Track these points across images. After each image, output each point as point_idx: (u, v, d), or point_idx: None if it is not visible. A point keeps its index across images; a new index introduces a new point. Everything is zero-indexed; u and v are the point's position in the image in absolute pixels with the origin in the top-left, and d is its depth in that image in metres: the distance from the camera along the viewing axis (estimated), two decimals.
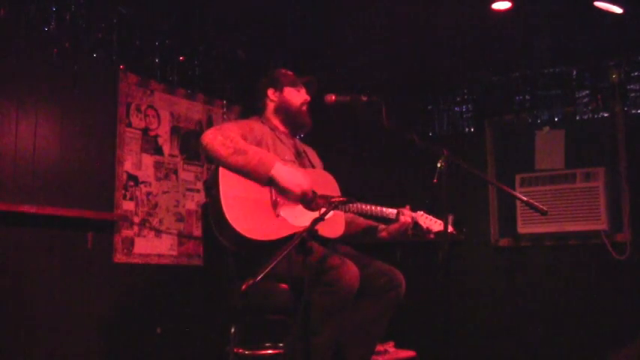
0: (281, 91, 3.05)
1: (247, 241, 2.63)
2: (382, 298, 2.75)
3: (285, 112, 3.04)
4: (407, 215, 2.93)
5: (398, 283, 2.78)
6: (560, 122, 5.05)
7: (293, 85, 3.06)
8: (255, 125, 2.96)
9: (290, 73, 3.12)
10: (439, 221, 2.98)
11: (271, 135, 2.96)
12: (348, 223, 3.04)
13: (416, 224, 2.95)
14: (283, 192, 2.73)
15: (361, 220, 3.06)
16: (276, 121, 3.06)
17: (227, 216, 2.62)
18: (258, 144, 2.86)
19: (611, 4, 3.94)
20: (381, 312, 2.76)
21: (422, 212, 2.99)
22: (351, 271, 2.54)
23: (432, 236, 2.98)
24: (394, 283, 2.77)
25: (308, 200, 2.76)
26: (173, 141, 4.48)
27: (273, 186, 2.73)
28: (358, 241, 3.08)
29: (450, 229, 2.92)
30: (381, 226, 3.03)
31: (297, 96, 3.05)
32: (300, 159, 3.02)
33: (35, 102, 3.73)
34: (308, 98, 3.07)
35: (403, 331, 4.05)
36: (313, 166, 3.09)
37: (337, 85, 3.09)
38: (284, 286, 2.68)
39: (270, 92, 3.07)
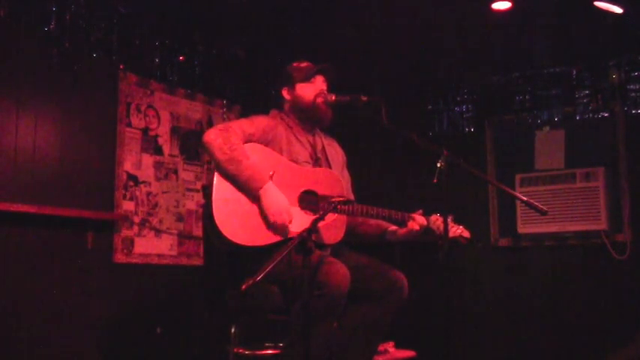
0: (293, 88, 2.97)
1: (235, 246, 2.63)
2: (383, 300, 2.73)
3: (299, 109, 2.96)
4: (416, 221, 2.86)
5: (400, 287, 2.76)
6: (560, 122, 5.05)
7: (305, 79, 2.95)
8: (270, 124, 2.90)
9: (303, 65, 3.01)
10: (455, 226, 2.90)
11: (286, 134, 2.91)
12: (359, 224, 3.02)
13: (428, 229, 2.87)
14: (262, 214, 2.70)
15: (372, 221, 3.00)
16: (293, 119, 2.98)
17: (216, 219, 2.62)
18: (268, 144, 2.83)
19: (611, 4, 3.94)
20: (382, 314, 2.75)
21: (436, 216, 2.89)
22: (340, 272, 2.52)
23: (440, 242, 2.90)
24: (396, 286, 2.75)
25: (277, 231, 2.71)
26: (173, 141, 4.48)
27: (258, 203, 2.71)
28: (369, 241, 3.06)
29: (467, 234, 2.90)
30: (391, 229, 2.97)
31: (309, 90, 2.94)
32: (315, 159, 2.96)
33: (35, 102, 3.73)
34: (322, 88, 2.95)
35: (403, 331, 4.05)
36: (330, 165, 3.01)
37: (337, 84, 3.07)
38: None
39: (284, 92, 3.00)
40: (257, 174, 2.69)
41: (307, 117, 2.97)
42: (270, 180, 2.71)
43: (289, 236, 2.68)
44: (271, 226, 2.70)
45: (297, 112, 2.97)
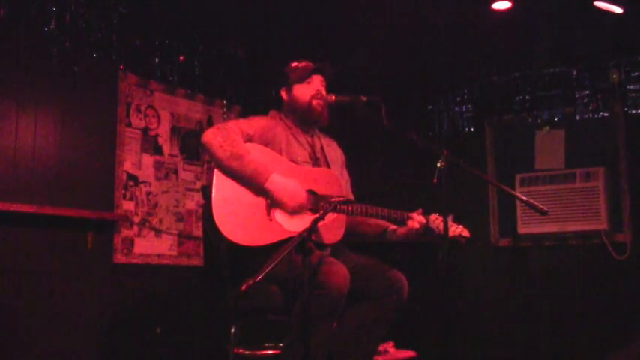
0: (290, 89, 2.97)
1: (235, 246, 2.63)
2: (383, 300, 2.73)
3: (295, 110, 2.96)
4: (416, 220, 2.85)
5: (400, 287, 2.76)
6: (560, 122, 5.05)
7: (301, 79, 2.94)
8: (268, 125, 2.91)
9: (301, 65, 2.99)
10: (454, 225, 2.90)
11: (286, 135, 2.91)
12: (359, 224, 3.02)
13: (428, 228, 2.87)
14: (277, 204, 2.71)
15: (372, 221, 3.00)
16: (292, 120, 2.98)
17: (215, 219, 2.62)
18: (267, 144, 2.83)
19: (611, 4, 3.94)
20: (382, 314, 2.74)
21: (436, 216, 2.88)
22: (339, 272, 2.52)
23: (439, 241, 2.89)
24: (396, 286, 2.75)
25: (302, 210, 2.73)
26: (173, 141, 4.48)
27: (267, 197, 2.71)
28: (368, 241, 3.06)
29: (467, 233, 2.90)
30: (391, 229, 2.97)
31: (305, 91, 2.93)
32: (314, 160, 2.97)
33: (35, 102, 3.73)
34: (319, 88, 2.94)
35: (403, 331, 4.05)
36: (329, 166, 3.01)
37: (337, 84, 3.07)
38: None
39: (283, 92, 3.01)
40: (261, 167, 2.70)
41: (303, 118, 2.96)
42: (273, 171, 2.71)
43: (289, 236, 2.68)
44: (291, 212, 2.71)
45: (294, 112, 2.97)
